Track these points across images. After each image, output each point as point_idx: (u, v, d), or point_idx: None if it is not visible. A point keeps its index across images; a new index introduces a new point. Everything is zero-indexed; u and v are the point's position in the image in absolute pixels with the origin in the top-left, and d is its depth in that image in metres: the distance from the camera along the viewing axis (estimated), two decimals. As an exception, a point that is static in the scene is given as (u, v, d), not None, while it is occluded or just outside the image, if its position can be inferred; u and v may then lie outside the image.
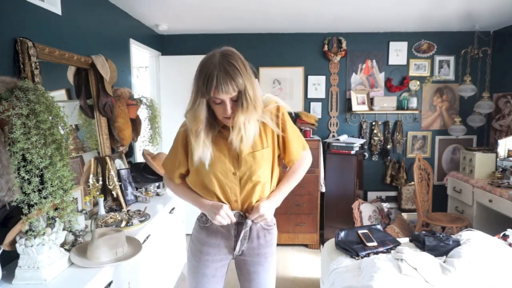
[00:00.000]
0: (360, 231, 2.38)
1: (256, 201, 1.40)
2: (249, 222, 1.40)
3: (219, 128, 1.36)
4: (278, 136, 1.40)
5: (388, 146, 4.00)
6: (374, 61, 3.97)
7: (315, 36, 3.95)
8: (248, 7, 2.97)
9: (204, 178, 1.38)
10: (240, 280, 1.56)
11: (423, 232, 2.35)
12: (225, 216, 1.35)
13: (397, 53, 3.95)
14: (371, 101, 3.93)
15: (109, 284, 1.60)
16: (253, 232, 1.44)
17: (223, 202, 1.39)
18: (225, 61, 1.19)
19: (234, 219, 1.37)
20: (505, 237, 2.31)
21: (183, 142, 1.42)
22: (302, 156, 1.49)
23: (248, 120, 1.26)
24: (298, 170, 1.48)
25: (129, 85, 3.15)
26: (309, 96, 4.04)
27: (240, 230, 1.41)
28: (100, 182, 2.32)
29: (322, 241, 3.67)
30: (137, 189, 2.71)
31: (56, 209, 1.43)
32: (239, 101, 1.23)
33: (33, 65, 1.70)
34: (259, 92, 1.28)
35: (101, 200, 2.21)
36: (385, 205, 3.94)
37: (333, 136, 4.01)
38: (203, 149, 1.30)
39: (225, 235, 1.44)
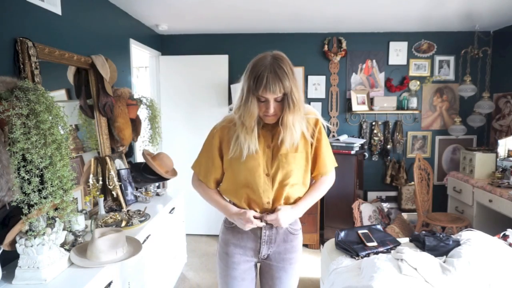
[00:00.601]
0: (360, 231, 2.38)
1: (280, 204, 1.41)
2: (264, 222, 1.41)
3: (259, 127, 1.38)
4: (311, 146, 1.42)
5: (388, 146, 4.00)
6: (374, 61, 3.97)
7: (315, 36, 3.95)
8: (248, 7, 2.97)
9: (239, 177, 1.39)
10: (262, 284, 1.56)
11: (423, 232, 2.35)
12: (252, 221, 1.36)
13: (397, 53, 3.95)
14: (371, 101, 3.93)
15: (109, 284, 1.60)
16: (280, 236, 1.45)
17: (255, 203, 1.40)
18: (275, 63, 1.27)
19: (260, 224, 1.38)
20: (505, 237, 2.31)
21: (218, 145, 1.44)
22: (331, 173, 1.51)
23: (296, 121, 1.31)
24: (323, 185, 1.50)
25: (129, 85, 3.15)
26: (309, 96, 4.03)
27: (266, 232, 1.43)
28: (100, 182, 2.32)
29: (322, 241, 3.67)
30: (137, 189, 2.71)
31: (56, 209, 1.43)
32: (284, 102, 1.29)
33: (33, 65, 1.70)
34: (302, 97, 1.33)
35: (101, 200, 2.21)
36: (385, 205, 3.94)
37: (333, 136, 4.01)
38: (253, 143, 1.33)
39: (251, 237, 1.45)
